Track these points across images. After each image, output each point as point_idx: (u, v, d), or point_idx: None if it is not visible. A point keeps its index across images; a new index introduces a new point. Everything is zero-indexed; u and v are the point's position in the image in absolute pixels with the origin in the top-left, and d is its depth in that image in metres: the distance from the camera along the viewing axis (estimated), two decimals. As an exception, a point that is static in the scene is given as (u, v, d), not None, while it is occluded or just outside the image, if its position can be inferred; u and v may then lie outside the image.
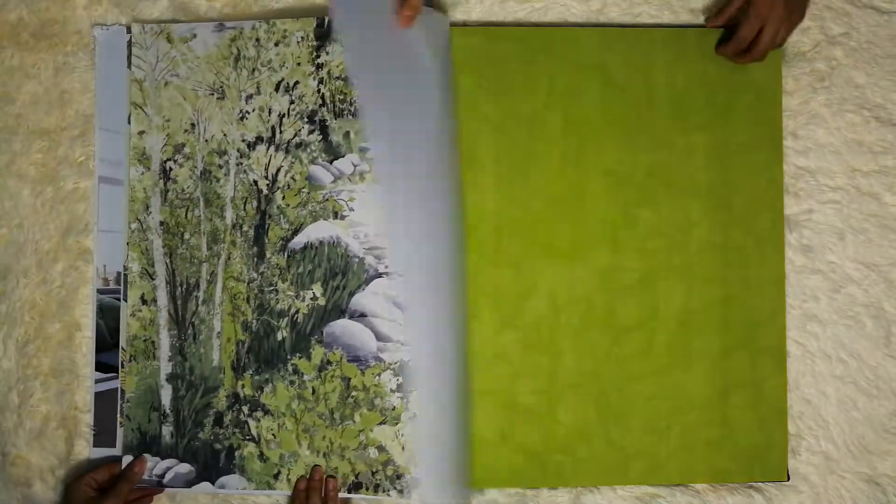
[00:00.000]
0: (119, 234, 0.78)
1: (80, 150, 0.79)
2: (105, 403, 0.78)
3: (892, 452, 0.79)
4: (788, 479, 0.78)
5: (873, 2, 0.82)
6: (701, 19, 0.81)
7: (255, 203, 0.77)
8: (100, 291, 0.78)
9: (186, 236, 0.77)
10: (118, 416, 0.77)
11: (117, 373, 0.78)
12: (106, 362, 0.78)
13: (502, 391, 0.77)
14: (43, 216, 0.79)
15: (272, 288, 0.77)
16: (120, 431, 0.77)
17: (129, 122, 0.78)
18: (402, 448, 0.75)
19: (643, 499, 0.78)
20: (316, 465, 0.75)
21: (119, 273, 0.78)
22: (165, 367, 0.77)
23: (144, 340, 0.77)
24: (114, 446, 0.77)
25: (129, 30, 0.79)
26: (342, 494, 0.75)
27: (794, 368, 0.80)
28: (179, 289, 0.77)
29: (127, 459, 0.76)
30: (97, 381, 0.78)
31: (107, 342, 0.78)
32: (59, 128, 0.79)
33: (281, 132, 0.77)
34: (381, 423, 0.75)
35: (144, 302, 0.77)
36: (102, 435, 0.78)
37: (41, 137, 0.79)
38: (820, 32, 0.81)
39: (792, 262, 0.80)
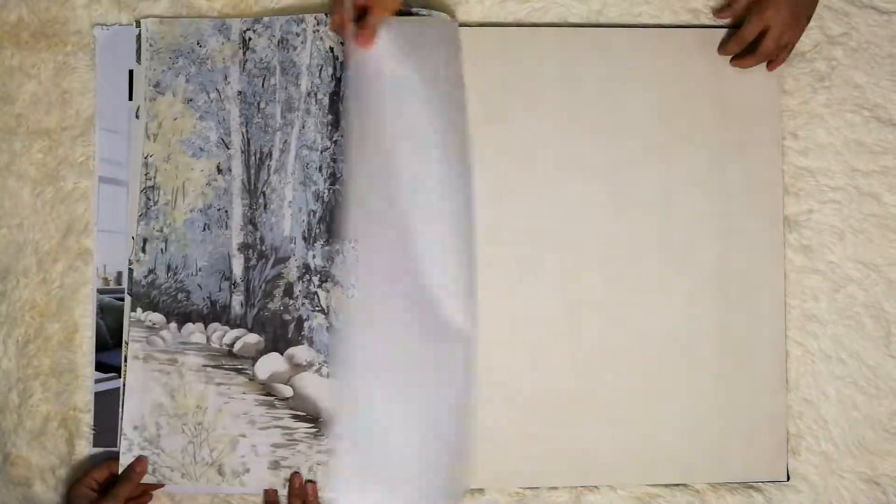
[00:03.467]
0: (119, 233, 0.78)
1: (81, 150, 0.79)
2: (105, 403, 0.78)
3: (892, 452, 0.79)
4: (788, 479, 0.79)
5: (873, 2, 0.82)
6: (701, 19, 0.81)
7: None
8: (100, 291, 0.79)
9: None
10: (119, 414, 0.77)
11: (117, 373, 0.78)
12: (106, 362, 0.78)
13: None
14: (43, 216, 0.79)
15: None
16: (120, 430, 0.77)
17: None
18: None
19: (643, 499, 0.78)
20: (295, 473, 0.75)
21: (119, 273, 0.78)
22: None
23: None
24: (114, 446, 0.77)
25: (137, 24, 0.79)
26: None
27: (793, 368, 0.80)
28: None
29: (126, 459, 0.76)
30: (97, 381, 0.78)
31: (107, 342, 0.78)
32: (60, 128, 0.79)
33: None
34: None
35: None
36: (103, 435, 0.78)
37: (41, 137, 0.79)
38: (820, 32, 0.81)
39: (792, 262, 0.80)
